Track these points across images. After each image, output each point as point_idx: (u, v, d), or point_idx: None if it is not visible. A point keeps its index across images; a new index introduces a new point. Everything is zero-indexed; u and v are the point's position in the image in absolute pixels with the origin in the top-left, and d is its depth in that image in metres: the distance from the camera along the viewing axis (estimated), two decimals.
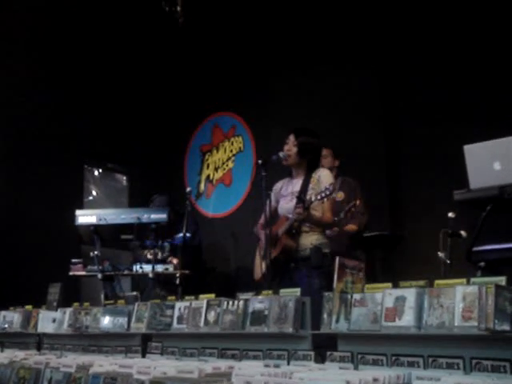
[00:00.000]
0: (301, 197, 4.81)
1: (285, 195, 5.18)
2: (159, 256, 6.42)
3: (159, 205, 6.80)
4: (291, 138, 5.10)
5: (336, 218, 4.88)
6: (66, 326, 4.37)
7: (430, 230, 4.46)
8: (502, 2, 5.63)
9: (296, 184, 5.12)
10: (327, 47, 6.90)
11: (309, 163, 5.13)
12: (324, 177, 4.98)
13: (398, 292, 2.55)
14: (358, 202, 4.83)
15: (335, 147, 5.81)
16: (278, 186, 5.29)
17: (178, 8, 7.22)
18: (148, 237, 6.34)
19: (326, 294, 2.89)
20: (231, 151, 8.23)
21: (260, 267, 5.04)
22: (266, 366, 2.80)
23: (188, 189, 6.57)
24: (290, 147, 5.07)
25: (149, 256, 6.40)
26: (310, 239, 4.90)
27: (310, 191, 4.89)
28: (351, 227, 5.30)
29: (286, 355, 2.92)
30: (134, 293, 6.02)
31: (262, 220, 5.03)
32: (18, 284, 6.53)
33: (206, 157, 8.55)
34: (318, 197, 4.64)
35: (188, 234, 6.33)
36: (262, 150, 7.33)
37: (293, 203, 4.98)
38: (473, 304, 2.28)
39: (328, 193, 4.61)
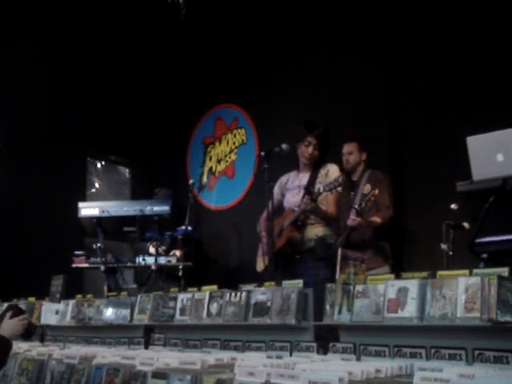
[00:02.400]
0: (309, 188, 4.82)
1: (291, 189, 5.19)
2: (161, 250, 6.41)
3: (163, 198, 6.78)
4: (312, 140, 5.08)
5: (357, 207, 4.82)
6: (69, 318, 4.38)
7: (433, 221, 4.46)
8: None
9: (303, 178, 5.13)
10: (330, 39, 6.87)
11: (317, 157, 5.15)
12: (332, 172, 5.00)
13: (401, 283, 2.55)
14: (376, 192, 4.74)
15: (360, 140, 5.63)
16: (283, 179, 5.29)
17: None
18: (150, 229, 6.33)
19: (329, 285, 2.89)
20: (234, 143, 8.22)
21: (262, 259, 5.06)
22: (269, 357, 2.81)
23: (191, 181, 6.57)
24: (313, 151, 5.08)
25: (151, 249, 6.39)
26: (315, 231, 4.91)
27: (318, 185, 4.90)
28: (375, 219, 5.15)
29: (288, 346, 2.93)
30: (135, 285, 6.04)
31: (265, 214, 5.04)
32: (21, 276, 6.55)
33: (209, 149, 8.54)
34: (327, 188, 4.64)
35: (190, 228, 6.32)
36: (264, 143, 7.32)
37: (299, 197, 4.99)
38: (475, 295, 2.28)
39: (336, 184, 4.61)
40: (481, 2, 5.73)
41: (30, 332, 3.31)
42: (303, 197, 4.90)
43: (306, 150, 5.07)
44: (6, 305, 4.90)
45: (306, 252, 4.91)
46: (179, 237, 6.44)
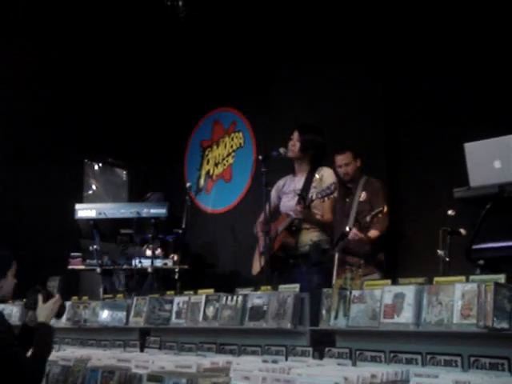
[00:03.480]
0: (302, 195, 4.81)
1: (287, 192, 5.18)
2: (157, 252, 6.39)
3: (156, 202, 6.76)
4: (295, 134, 5.09)
5: (361, 222, 4.72)
6: (65, 320, 4.36)
7: (430, 227, 4.46)
8: (502, 0, 5.62)
9: (298, 182, 5.12)
10: (329, 43, 6.87)
11: (312, 160, 5.12)
12: (327, 176, 4.98)
13: (397, 289, 2.55)
14: (385, 209, 4.64)
15: (352, 147, 5.43)
16: (280, 183, 5.29)
17: (180, 3, 7.21)
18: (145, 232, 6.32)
19: (325, 290, 2.89)
20: (231, 147, 8.22)
21: (258, 262, 5.05)
22: (264, 361, 2.81)
23: (188, 184, 6.56)
24: (294, 142, 5.08)
25: (148, 252, 6.38)
26: (309, 236, 4.90)
27: (312, 190, 4.89)
28: (373, 233, 5.03)
29: (284, 351, 2.92)
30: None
31: (262, 218, 5.03)
32: (17, 277, 6.52)
33: (206, 152, 8.54)
34: (319, 195, 4.63)
35: (179, 231, 6.30)
36: (262, 146, 7.31)
37: (294, 201, 4.98)
38: (472, 301, 2.28)
39: (329, 192, 4.59)
40: (480, 9, 5.75)
41: (62, 313, 3.24)
42: (296, 203, 4.89)
43: (290, 144, 5.08)
44: (0, 306, 4.89)
45: (301, 257, 4.90)
46: (169, 240, 6.44)
